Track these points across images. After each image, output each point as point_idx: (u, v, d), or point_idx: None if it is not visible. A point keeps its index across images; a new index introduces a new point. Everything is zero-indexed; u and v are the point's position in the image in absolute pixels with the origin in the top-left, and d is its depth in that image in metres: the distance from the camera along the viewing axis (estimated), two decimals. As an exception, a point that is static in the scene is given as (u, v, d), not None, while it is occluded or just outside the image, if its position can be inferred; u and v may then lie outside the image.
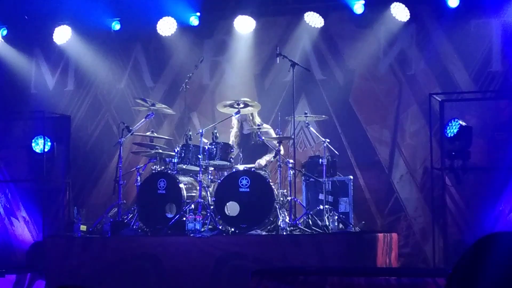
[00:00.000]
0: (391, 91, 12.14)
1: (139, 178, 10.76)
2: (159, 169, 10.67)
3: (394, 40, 12.16)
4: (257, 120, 11.26)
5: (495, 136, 11.37)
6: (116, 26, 13.16)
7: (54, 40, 13.17)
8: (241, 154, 11.13)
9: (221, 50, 13.01)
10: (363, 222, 11.01)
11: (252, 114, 11.21)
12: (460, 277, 3.30)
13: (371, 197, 12.01)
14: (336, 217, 10.17)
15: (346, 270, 7.63)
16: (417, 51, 12.07)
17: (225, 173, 10.51)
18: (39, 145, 12.51)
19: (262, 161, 10.95)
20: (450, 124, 11.13)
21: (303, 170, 10.99)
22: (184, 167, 10.57)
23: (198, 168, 10.33)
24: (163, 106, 11.21)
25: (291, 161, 10.46)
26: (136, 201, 10.78)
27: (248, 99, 10.82)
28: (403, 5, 11.85)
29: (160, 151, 10.84)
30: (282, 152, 10.66)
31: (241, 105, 10.69)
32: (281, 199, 10.34)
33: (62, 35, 13.12)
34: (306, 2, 12.38)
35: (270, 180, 10.25)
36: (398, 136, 12.06)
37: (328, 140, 10.83)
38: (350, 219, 10.71)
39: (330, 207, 10.43)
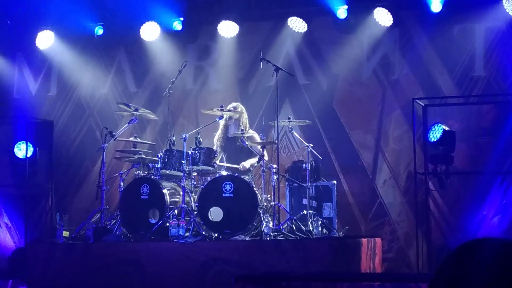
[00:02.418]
0: (374, 96, 12.17)
1: (122, 184, 10.73)
2: (142, 175, 10.64)
3: (377, 45, 12.19)
4: (247, 124, 11.27)
5: (478, 141, 11.41)
6: (99, 31, 13.12)
7: (37, 45, 13.12)
8: (224, 158, 11.12)
9: (204, 54, 13.01)
10: (347, 227, 11.01)
11: (244, 118, 11.23)
12: (441, 284, 3.29)
13: (354, 202, 12.02)
14: (320, 222, 10.18)
15: (330, 276, 7.63)
16: (400, 56, 12.10)
17: (209, 178, 10.50)
18: (22, 150, 12.41)
19: (247, 163, 10.94)
20: (433, 129, 11.13)
21: (287, 175, 10.99)
22: (167, 172, 10.54)
23: (181, 174, 10.31)
24: (146, 111, 11.18)
25: (275, 166, 10.45)
26: (119, 206, 10.74)
27: (233, 104, 10.87)
28: (386, 10, 11.88)
29: (143, 156, 10.81)
30: (266, 157, 10.66)
31: (225, 110, 10.69)
32: (265, 204, 10.32)
33: (45, 40, 13.08)
34: (290, 7, 12.40)
35: (254, 185, 10.24)
36: (381, 140, 12.08)
37: (311, 145, 10.84)
38: (334, 224, 10.71)
39: (313, 212, 10.43)
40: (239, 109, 10.99)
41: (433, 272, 3.46)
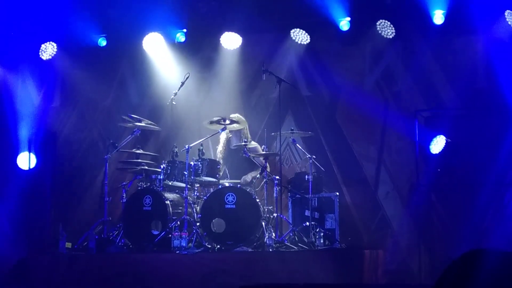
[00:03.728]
0: (377, 107, 12.16)
1: (124, 195, 10.75)
2: (144, 186, 10.66)
3: (380, 57, 12.20)
4: (248, 135, 11.29)
5: (480, 153, 11.40)
6: (103, 42, 13.15)
7: (40, 56, 13.13)
8: (227, 170, 11.13)
9: (207, 66, 13.01)
10: (349, 238, 11.00)
11: (246, 129, 11.25)
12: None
13: (357, 213, 12.01)
14: (322, 233, 10.19)
15: (333, 287, 7.63)
16: (403, 67, 12.11)
17: (211, 190, 10.51)
18: (25, 161, 12.45)
19: (248, 177, 10.95)
20: (435, 141, 11.15)
21: (289, 186, 11.00)
22: (170, 183, 10.56)
23: (184, 185, 10.32)
24: (149, 122, 11.20)
25: (277, 177, 10.46)
26: (121, 218, 10.75)
27: (235, 116, 10.86)
28: (389, 22, 11.90)
29: (146, 167, 10.83)
30: (268, 168, 10.67)
31: (227, 122, 10.71)
32: (267, 215, 10.34)
33: (48, 51, 13.09)
34: (292, 19, 12.41)
35: (256, 197, 10.24)
36: (384, 152, 12.07)
37: (314, 157, 10.85)
38: (336, 235, 10.71)
39: (316, 224, 10.45)
40: (241, 121, 10.98)
41: (435, 283, 3.46)
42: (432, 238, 11.41)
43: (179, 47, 12.94)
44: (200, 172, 10.43)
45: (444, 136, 11.14)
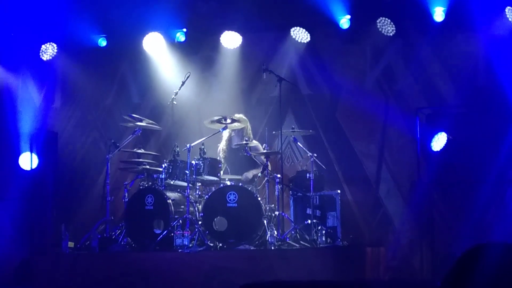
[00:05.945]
0: (377, 105, 12.17)
1: (126, 194, 10.76)
2: (146, 185, 10.67)
3: (380, 55, 12.21)
4: (250, 134, 11.31)
5: (481, 150, 11.41)
6: (103, 42, 13.17)
7: (40, 57, 13.14)
8: (228, 168, 11.15)
9: (207, 65, 13.02)
10: (351, 236, 11.01)
11: (247, 128, 11.26)
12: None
13: (358, 211, 12.02)
14: (324, 231, 10.20)
15: (335, 284, 7.62)
16: (403, 65, 12.11)
17: (213, 188, 10.53)
18: (27, 162, 12.45)
19: (249, 174, 10.97)
20: (436, 138, 11.16)
21: (291, 184, 11.01)
22: (171, 182, 10.58)
23: (185, 184, 10.34)
24: (150, 122, 11.21)
25: (279, 176, 10.47)
26: (124, 217, 10.77)
27: (238, 116, 10.88)
28: (389, 20, 11.90)
29: (148, 167, 10.85)
30: (269, 167, 10.68)
31: (228, 121, 10.72)
32: (269, 214, 10.35)
33: (49, 52, 13.10)
34: (292, 18, 12.41)
35: (258, 195, 10.26)
36: (385, 150, 12.08)
37: (315, 155, 10.86)
38: (338, 233, 10.72)
39: (317, 222, 10.45)
40: (242, 120, 11.00)
41: (438, 280, 3.48)
42: (433, 234, 11.42)
43: (179, 47, 12.94)
44: (201, 171, 10.45)
45: (445, 133, 11.15)
